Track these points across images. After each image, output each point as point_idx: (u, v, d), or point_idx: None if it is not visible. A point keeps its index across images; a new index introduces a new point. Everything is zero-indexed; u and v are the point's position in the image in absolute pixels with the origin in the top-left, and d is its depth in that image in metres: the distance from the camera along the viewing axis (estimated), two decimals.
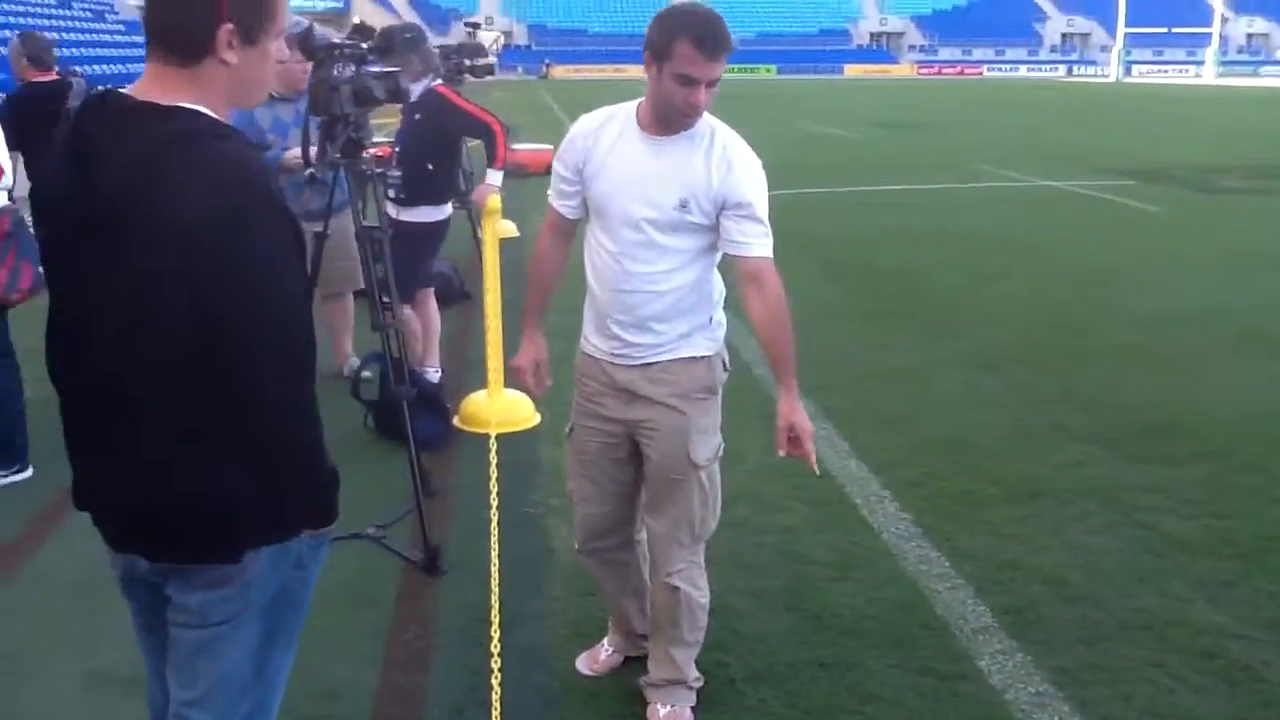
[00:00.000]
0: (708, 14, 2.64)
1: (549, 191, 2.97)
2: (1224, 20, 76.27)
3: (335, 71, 4.02)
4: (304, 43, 4.17)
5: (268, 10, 1.77)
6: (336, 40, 4.06)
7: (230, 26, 1.72)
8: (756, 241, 2.73)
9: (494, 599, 3.27)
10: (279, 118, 5.36)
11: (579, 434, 3.05)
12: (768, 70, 75.93)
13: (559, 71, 72.12)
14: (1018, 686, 3.23)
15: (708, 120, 2.75)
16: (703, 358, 2.87)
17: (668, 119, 2.69)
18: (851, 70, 79.64)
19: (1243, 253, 10.10)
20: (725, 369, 2.97)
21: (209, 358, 1.69)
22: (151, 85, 1.74)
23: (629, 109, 2.81)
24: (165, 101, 1.71)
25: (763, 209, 2.73)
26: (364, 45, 4.09)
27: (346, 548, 4.14)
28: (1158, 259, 9.85)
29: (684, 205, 2.70)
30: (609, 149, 2.78)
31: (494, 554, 3.42)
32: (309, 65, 4.26)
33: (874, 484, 4.73)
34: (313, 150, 4.28)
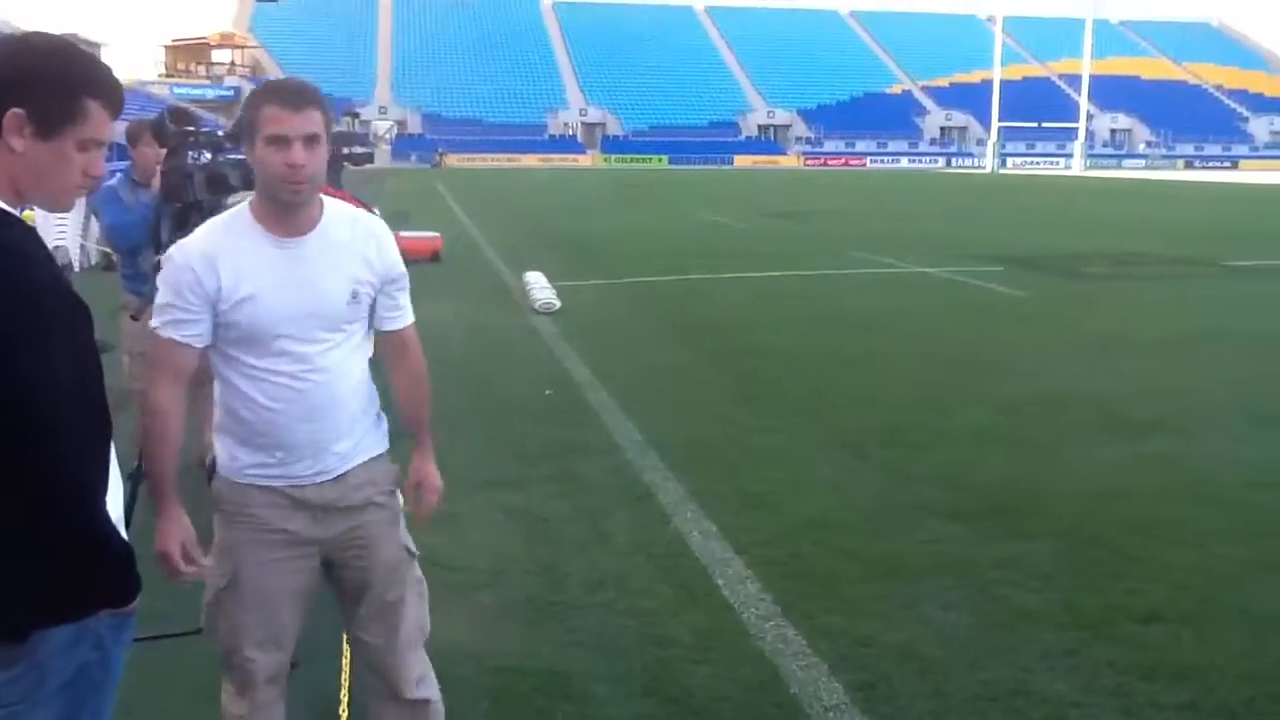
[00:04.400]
0: (287, 79, 2.66)
1: (158, 325, 2.56)
2: (1090, 116, 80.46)
3: (189, 158, 4.02)
4: (158, 129, 4.16)
5: (72, 111, 1.80)
6: (190, 127, 4.06)
7: (20, 112, 1.75)
8: (408, 310, 2.78)
9: (344, 694, 3.21)
10: (141, 201, 5.33)
11: (252, 574, 2.63)
12: (659, 160, 77.40)
13: (452, 160, 72.59)
14: None
15: (330, 203, 2.63)
16: (383, 453, 2.77)
17: (277, 197, 2.49)
18: (740, 161, 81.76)
19: (1105, 336, 10.53)
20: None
21: None
22: None
23: (236, 215, 2.60)
24: None
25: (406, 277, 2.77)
26: (220, 132, 4.09)
27: (195, 642, 4.03)
28: (1023, 343, 10.22)
29: (355, 296, 2.60)
30: (238, 272, 2.51)
31: (345, 648, 3.36)
32: (162, 153, 4.25)
33: (738, 564, 4.77)
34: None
